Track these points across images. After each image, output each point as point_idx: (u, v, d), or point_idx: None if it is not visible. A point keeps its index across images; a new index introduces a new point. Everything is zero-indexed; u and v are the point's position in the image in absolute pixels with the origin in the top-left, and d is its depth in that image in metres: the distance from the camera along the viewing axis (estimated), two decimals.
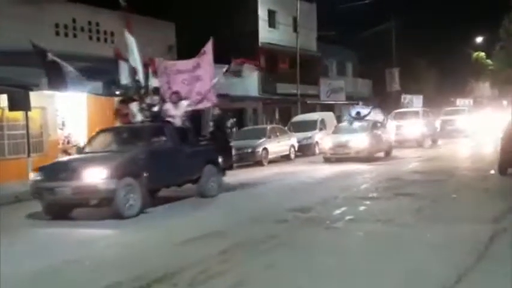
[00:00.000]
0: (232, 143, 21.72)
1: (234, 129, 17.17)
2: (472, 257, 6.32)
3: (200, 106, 13.34)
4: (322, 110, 32.49)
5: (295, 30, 33.37)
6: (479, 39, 53.99)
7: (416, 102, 42.86)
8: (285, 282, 5.85)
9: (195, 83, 13.32)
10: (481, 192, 11.55)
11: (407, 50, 41.60)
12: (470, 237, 7.36)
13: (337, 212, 9.72)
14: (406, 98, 43.92)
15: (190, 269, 6.31)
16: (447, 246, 7.02)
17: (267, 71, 32.09)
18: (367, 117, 22.46)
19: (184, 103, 12.88)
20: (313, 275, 6.06)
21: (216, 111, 14.01)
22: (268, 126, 23.69)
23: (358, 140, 19.93)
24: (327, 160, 20.20)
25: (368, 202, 10.77)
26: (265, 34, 32.54)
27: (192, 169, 12.09)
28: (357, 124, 21.73)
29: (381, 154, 21.12)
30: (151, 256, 7.28)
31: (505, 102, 43.42)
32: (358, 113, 22.73)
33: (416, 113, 27.99)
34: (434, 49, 45.22)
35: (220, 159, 13.00)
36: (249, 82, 30.21)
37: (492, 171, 14.16)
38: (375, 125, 21.67)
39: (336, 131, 22.06)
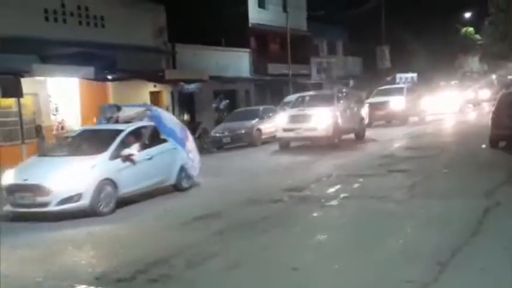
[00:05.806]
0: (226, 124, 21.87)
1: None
2: (466, 232, 6.45)
3: None
4: (313, 89, 32.48)
5: (284, 10, 33.16)
6: (467, 15, 54.09)
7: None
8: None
9: None
10: (474, 166, 11.72)
11: (397, 27, 41.49)
12: (464, 212, 7.51)
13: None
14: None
15: None
16: (441, 222, 7.17)
17: (257, 52, 32.03)
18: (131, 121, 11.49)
19: None
20: (309, 254, 6.20)
21: None
22: (261, 107, 23.70)
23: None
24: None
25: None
26: (255, 15, 32.33)
27: None
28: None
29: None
30: None
31: (493, 76, 43.52)
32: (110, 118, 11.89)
33: (328, 98, 18.69)
34: (424, 25, 44.99)
35: None
36: (241, 64, 30.22)
37: (483, 146, 14.39)
38: (140, 136, 10.86)
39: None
